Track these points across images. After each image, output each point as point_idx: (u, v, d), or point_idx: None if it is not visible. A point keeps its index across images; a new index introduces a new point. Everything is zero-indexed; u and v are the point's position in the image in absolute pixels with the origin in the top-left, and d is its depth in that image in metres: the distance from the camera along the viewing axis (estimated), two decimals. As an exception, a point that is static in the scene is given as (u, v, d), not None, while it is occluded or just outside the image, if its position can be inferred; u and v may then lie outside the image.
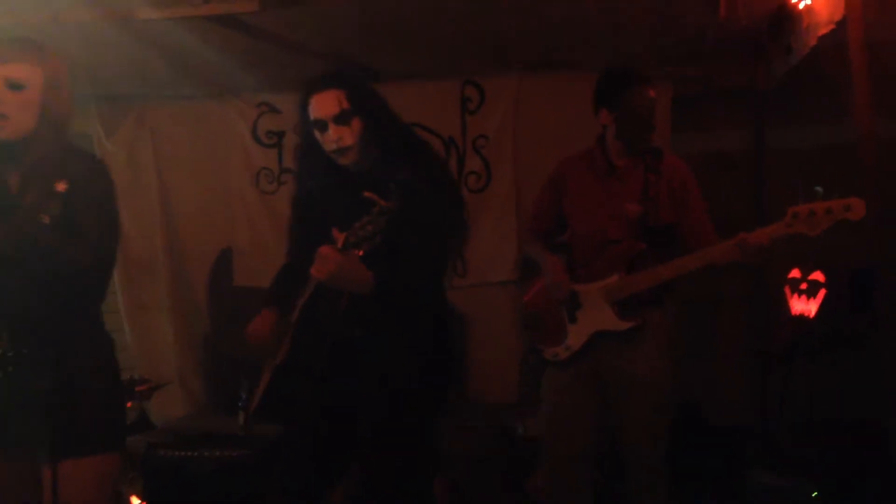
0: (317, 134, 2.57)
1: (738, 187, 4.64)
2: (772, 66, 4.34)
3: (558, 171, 3.33)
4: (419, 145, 2.70)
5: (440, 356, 2.63)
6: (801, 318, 4.14)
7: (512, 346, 4.62)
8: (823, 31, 3.39)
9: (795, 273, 4.18)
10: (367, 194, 2.32)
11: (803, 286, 4.15)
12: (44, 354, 2.21)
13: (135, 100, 4.98)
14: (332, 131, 2.52)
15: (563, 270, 3.14)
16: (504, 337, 4.67)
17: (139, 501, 4.04)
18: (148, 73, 4.54)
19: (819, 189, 2.75)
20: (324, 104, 2.53)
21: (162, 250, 4.99)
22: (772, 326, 4.50)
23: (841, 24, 3.18)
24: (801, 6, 3.61)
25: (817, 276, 4.13)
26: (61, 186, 2.21)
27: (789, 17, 3.82)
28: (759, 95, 4.56)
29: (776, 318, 4.38)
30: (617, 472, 3.20)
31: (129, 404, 3.86)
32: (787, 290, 4.21)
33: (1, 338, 2.21)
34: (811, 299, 4.14)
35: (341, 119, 2.51)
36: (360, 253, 2.36)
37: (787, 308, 4.19)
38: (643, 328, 3.04)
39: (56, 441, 2.18)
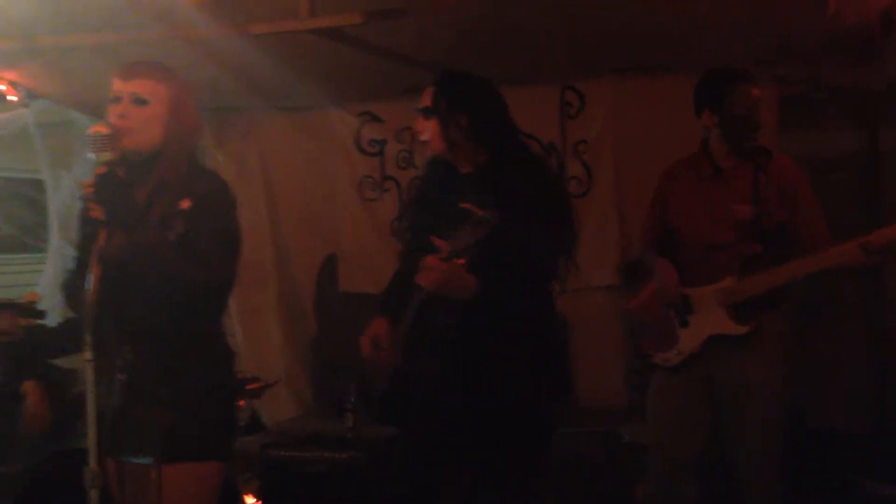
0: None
1: (847, 189, 4.52)
2: (884, 65, 4.21)
3: (664, 179, 3.32)
4: (527, 149, 2.73)
5: (552, 362, 2.65)
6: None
7: (615, 351, 4.60)
8: (940, 27, 3.29)
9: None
10: (463, 205, 2.38)
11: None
12: (161, 363, 2.31)
13: (243, 112, 5.15)
14: (419, 123, 2.66)
15: (674, 275, 3.12)
16: (607, 341, 4.65)
17: (254, 500, 4.18)
18: (255, 85, 4.68)
19: None
20: (421, 99, 2.66)
21: (270, 257, 5.15)
22: (890, 330, 4.37)
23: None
24: (916, 1, 3.51)
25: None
26: (185, 204, 2.30)
27: (903, 13, 3.71)
28: (872, 95, 4.43)
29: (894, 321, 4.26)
30: (724, 482, 3.16)
31: (241, 402, 3.99)
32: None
33: (123, 344, 2.33)
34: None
35: (426, 112, 2.64)
36: (462, 262, 2.40)
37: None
38: (759, 333, 2.99)
39: (164, 446, 2.27)
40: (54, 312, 4.37)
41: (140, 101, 2.32)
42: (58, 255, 5.12)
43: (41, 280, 5.11)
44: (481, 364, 2.54)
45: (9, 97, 4.47)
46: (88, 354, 2.05)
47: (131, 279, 2.21)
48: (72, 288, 2.35)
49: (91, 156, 2.21)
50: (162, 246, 2.23)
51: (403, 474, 2.69)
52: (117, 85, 2.34)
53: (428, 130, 2.63)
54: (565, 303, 4.41)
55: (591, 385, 4.59)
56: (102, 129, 2.21)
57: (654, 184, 3.40)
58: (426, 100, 2.65)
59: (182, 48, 3.78)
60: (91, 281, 2.08)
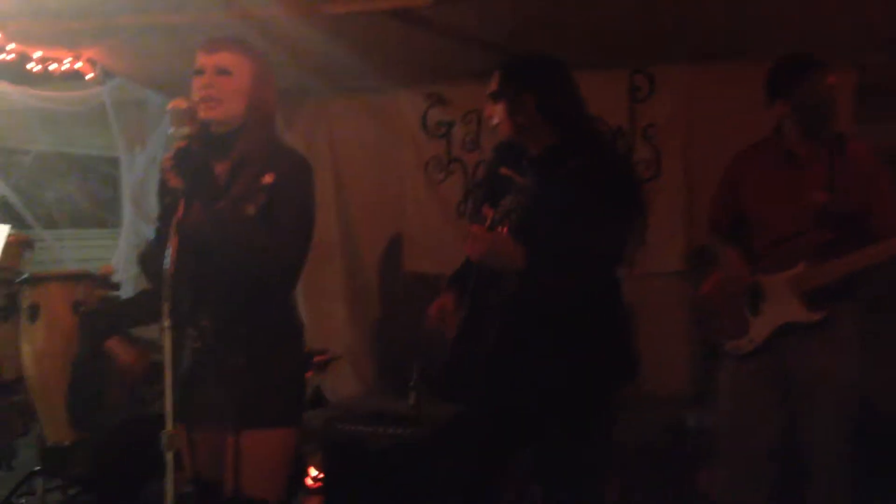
0: None
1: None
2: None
3: (734, 164, 3.27)
4: (597, 131, 2.73)
5: (616, 342, 2.64)
6: None
7: (681, 338, 4.55)
8: None
9: None
10: (503, 171, 2.40)
11: None
12: (238, 333, 2.35)
13: (312, 94, 5.20)
14: (487, 108, 2.67)
15: (743, 262, 3.08)
16: (673, 328, 4.59)
17: (317, 472, 4.26)
18: (324, 67, 4.73)
19: None
20: (488, 85, 2.67)
21: (336, 237, 5.21)
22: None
23: None
24: None
25: None
26: (268, 179, 2.33)
27: None
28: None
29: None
30: (795, 471, 3.11)
31: (308, 374, 4.05)
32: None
33: (202, 314, 2.38)
34: None
35: (493, 97, 2.64)
36: (505, 230, 2.42)
37: None
38: (833, 320, 2.94)
39: (240, 413, 2.32)
40: (128, 285, 4.51)
41: (224, 72, 2.37)
42: (131, 229, 5.25)
43: (115, 254, 5.25)
44: (534, 340, 2.53)
45: (86, 75, 4.59)
46: (167, 322, 2.10)
47: (208, 251, 2.26)
48: (150, 257, 2.41)
49: (170, 129, 2.27)
50: (240, 219, 2.28)
51: (463, 453, 2.72)
52: (201, 58, 2.39)
53: (497, 115, 2.64)
54: (631, 288, 4.42)
55: (655, 372, 4.55)
56: (181, 104, 2.27)
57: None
58: (494, 84, 2.65)
59: (252, 30, 3.84)
60: (170, 251, 2.13)
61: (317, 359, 3.96)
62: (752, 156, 3.21)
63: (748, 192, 3.18)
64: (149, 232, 4.95)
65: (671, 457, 3.93)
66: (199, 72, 2.38)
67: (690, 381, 4.44)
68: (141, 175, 5.20)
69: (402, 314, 5.14)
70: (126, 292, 4.38)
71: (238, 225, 2.28)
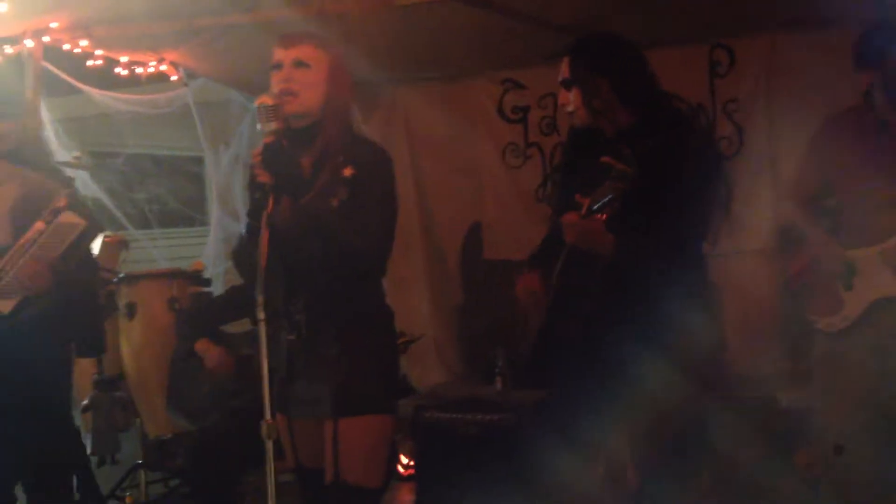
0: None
1: None
2: None
3: (823, 132, 3.17)
4: (673, 108, 2.69)
5: (700, 321, 2.61)
6: None
7: (770, 316, 4.46)
8: None
9: None
10: (603, 159, 2.39)
11: None
12: (332, 324, 2.39)
13: (388, 85, 5.25)
14: (561, 97, 2.65)
15: (833, 238, 3.01)
16: (760, 306, 4.51)
17: (408, 460, 4.32)
18: (400, 57, 4.77)
19: None
20: (559, 72, 2.65)
21: (416, 226, 5.25)
22: None
23: None
24: None
25: None
26: (348, 172, 2.36)
27: None
28: None
29: None
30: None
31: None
32: None
33: (295, 307, 2.43)
34: None
35: (565, 84, 2.63)
36: (603, 217, 2.41)
37: None
38: (930, 294, 2.85)
39: (338, 401, 2.35)
40: (218, 280, 4.63)
41: (302, 65, 2.40)
42: (218, 226, 5.39)
43: (204, 251, 5.40)
44: (626, 325, 2.52)
45: (171, 77, 4.72)
46: (262, 314, 2.15)
47: (298, 243, 2.31)
48: (241, 252, 2.47)
49: (257, 126, 2.32)
50: (326, 212, 2.32)
51: (555, 438, 2.72)
52: (278, 53, 2.42)
53: (572, 101, 2.62)
54: (714, 267, 4.34)
55: (743, 350, 4.48)
56: (268, 101, 2.31)
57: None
58: (565, 70, 2.63)
59: (328, 25, 3.89)
60: (262, 245, 2.18)
61: (399, 341, 4.00)
62: (842, 124, 3.12)
63: (837, 161, 3.10)
64: (235, 228, 5.10)
65: (763, 437, 3.86)
66: (278, 66, 2.42)
67: (781, 361, 4.35)
68: (226, 173, 5.33)
69: (484, 301, 5.17)
70: (216, 288, 4.50)
71: (324, 218, 2.32)
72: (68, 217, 3.04)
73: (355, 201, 2.34)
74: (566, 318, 2.66)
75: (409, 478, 4.33)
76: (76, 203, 3.19)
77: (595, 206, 2.41)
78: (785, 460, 3.73)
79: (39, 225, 3.02)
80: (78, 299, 3.27)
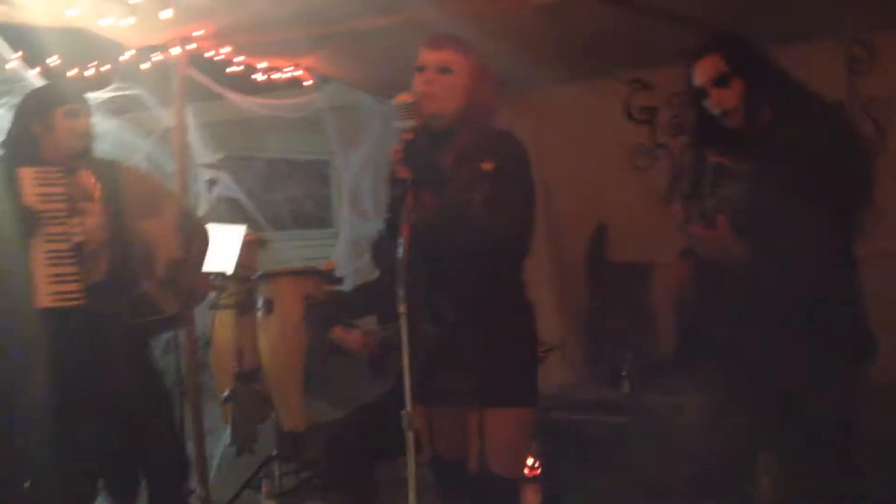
0: (703, 102, 2.62)
1: None
2: None
3: None
4: (819, 104, 2.62)
5: (851, 322, 2.53)
6: None
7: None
8: None
9: None
10: (714, 160, 2.33)
11: None
12: (476, 315, 2.43)
13: (516, 86, 5.26)
14: (714, 96, 2.57)
15: None
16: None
17: (533, 461, 4.31)
18: (529, 58, 4.77)
19: None
20: (703, 71, 2.60)
21: (543, 228, 5.21)
22: None
23: None
24: None
25: None
26: (487, 166, 2.40)
27: None
28: None
29: None
30: None
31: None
32: None
33: (438, 300, 2.48)
34: None
35: (720, 82, 2.55)
36: (726, 219, 2.38)
37: None
38: None
39: (483, 392, 2.39)
40: (348, 280, 4.75)
41: (445, 70, 2.46)
42: (348, 227, 5.52)
43: (335, 251, 5.54)
44: (771, 327, 2.46)
45: (305, 82, 4.87)
46: (403, 307, 2.20)
47: (440, 238, 2.36)
48: (381, 246, 2.54)
49: (396, 123, 2.38)
50: (467, 206, 2.36)
51: (701, 442, 2.68)
52: (424, 55, 2.48)
53: (725, 100, 2.56)
54: (864, 269, 4.16)
55: (892, 359, 4.29)
56: (408, 98, 2.37)
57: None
58: (716, 68, 2.57)
59: (461, 26, 3.94)
60: (403, 240, 2.24)
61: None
62: None
63: None
64: (364, 230, 5.22)
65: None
66: (421, 68, 2.48)
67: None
68: (355, 175, 5.46)
69: (610, 303, 5.12)
70: (347, 287, 4.61)
71: (465, 212, 2.36)
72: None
73: (496, 195, 2.37)
74: (708, 323, 2.62)
75: (534, 479, 4.32)
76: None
77: (714, 208, 2.38)
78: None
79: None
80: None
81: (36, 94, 3.32)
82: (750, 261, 2.43)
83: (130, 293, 3.19)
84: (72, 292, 3.03)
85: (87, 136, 3.18)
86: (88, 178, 3.14)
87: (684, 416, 3.10)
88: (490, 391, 2.37)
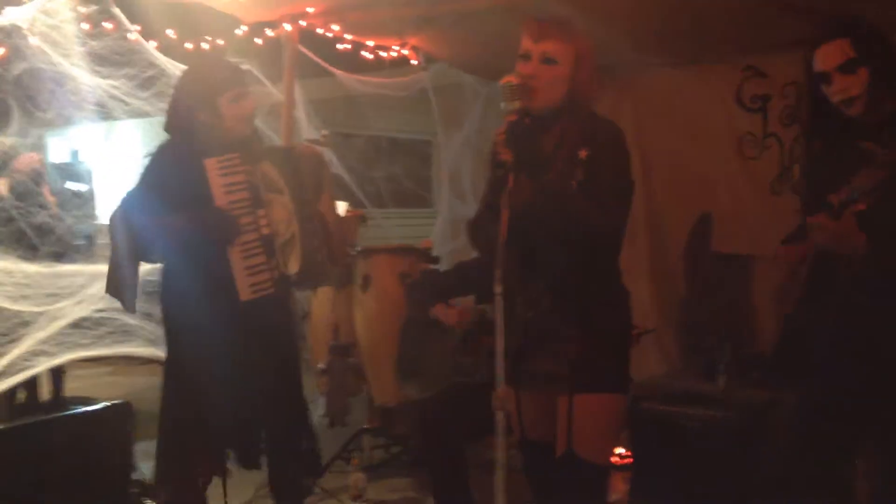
0: (823, 88, 2.52)
1: None
2: None
3: None
4: None
5: None
6: None
7: None
8: None
9: None
10: (866, 144, 2.27)
11: None
12: (568, 301, 2.44)
13: (618, 69, 5.18)
14: (837, 82, 2.47)
15: None
16: None
17: (623, 449, 4.27)
18: (635, 41, 4.69)
19: None
20: (828, 55, 2.49)
21: (642, 215, 5.15)
22: None
23: None
24: None
25: None
26: (584, 153, 2.39)
27: None
28: None
29: None
30: None
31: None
32: None
33: (530, 283, 2.47)
34: None
35: (846, 68, 2.45)
36: (857, 209, 2.29)
37: None
38: None
39: (575, 378, 2.40)
40: (445, 259, 4.79)
41: (549, 61, 2.44)
42: (447, 207, 5.55)
43: (433, 230, 5.58)
44: (883, 327, 2.39)
45: (412, 61, 4.91)
46: (499, 288, 2.21)
47: (538, 222, 2.36)
48: (479, 228, 2.55)
49: (501, 104, 2.38)
50: (565, 192, 2.35)
51: (797, 440, 2.61)
52: (527, 44, 2.46)
53: (853, 86, 2.45)
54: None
55: None
56: (513, 80, 2.37)
57: None
58: (843, 54, 2.46)
59: (565, 7, 3.90)
60: (501, 221, 2.24)
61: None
62: None
63: None
64: (463, 211, 5.24)
65: None
66: (525, 57, 2.46)
67: None
68: (456, 156, 5.47)
69: (709, 294, 5.01)
70: (443, 267, 4.65)
71: (563, 198, 2.36)
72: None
73: (592, 182, 2.36)
74: (815, 319, 2.55)
75: (623, 467, 4.28)
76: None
77: (847, 199, 2.29)
78: None
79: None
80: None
81: (195, 79, 3.09)
82: (869, 256, 2.34)
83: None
84: (265, 282, 3.00)
85: (252, 117, 3.08)
86: (270, 170, 3.07)
87: (780, 413, 3.03)
88: (581, 376, 2.37)
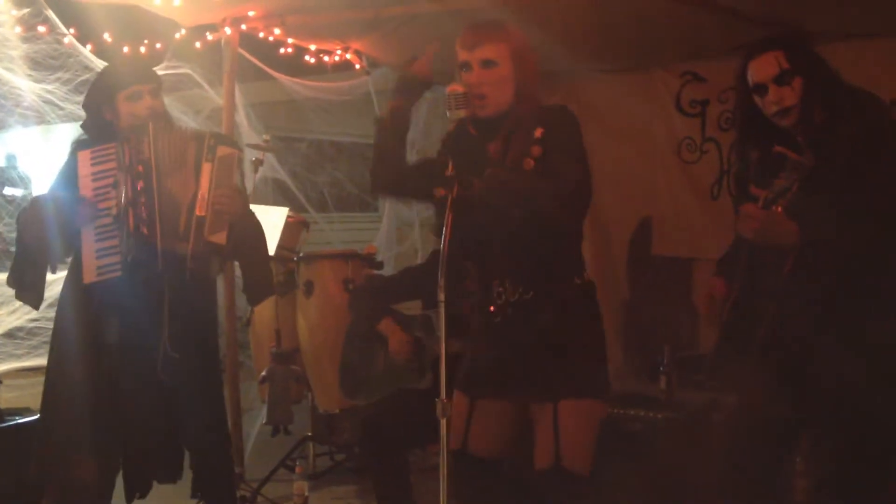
0: (756, 99, 2.57)
1: None
2: None
3: None
4: (870, 103, 2.57)
5: None
6: None
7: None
8: None
9: None
10: (777, 149, 2.36)
11: None
12: (536, 300, 2.42)
13: (561, 75, 5.22)
14: (773, 93, 2.51)
15: None
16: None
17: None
18: (575, 48, 4.73)
19: None
20: (763, 67, 2.53)
21: (586, 219, 5.19)
22: None
23: None
24: None
25: None
26: (539, 132, 2.40)
27: None
28: None
29: None
30: None
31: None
32: None
33: (503, 285, 2.45)
34: None
35: (781, 80, 2.49)
36: (779, 209, 2.36)
37: None
38: None
39: (554, 383, 2.39)
40: (389, 264, 4.77)
41: (489, 64, 2.44)
42: (391, 212, 5.53)
43: (377, 235, 5.56)
44: (819, 321, 2.43)
45: (355, 66, 4.88)
46: (442, 296, 2.20)
47: (494, 216, 2.35)
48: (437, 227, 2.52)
49: (447, 113, 2.37)
50: (516, 175, 2.35)
51: (736, 441, 2.65)
52: (464, 55, 2.47)
53: (786, 97, 2.50)
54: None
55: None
56: (459, 89, 2.37)
57: None
58: (777, 65, 2.51)
59: (511, 14, 3.92)
60: (445, 230, 2.23)
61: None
62: None
63: None
64: (407, 215, 5.23)
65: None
66: (465, 66, 2.46)
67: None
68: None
69: (650, 297, 5.07)
70: (387, 272, 4.63)
71: (513, 180, 2.34)
72: (224, 150, 3.13)
73: (549, 156, 2.36)
74: (751, 318, 2.59)
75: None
76: (222, 137, 3.39)
77: (771, 197, 2.36)
78: None
79: (207, 166, 3.08)
80: (251, 233, 3.30)
81: (100, 78, 3.22)
82: (802, 250, 2.39)
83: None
84: (113, 265, 3.02)
85: (149, 118, 3.06)
86: (188, 146, 3.09)
87: (720, 414, 3.06)
88: (556, 382, 2.37)
